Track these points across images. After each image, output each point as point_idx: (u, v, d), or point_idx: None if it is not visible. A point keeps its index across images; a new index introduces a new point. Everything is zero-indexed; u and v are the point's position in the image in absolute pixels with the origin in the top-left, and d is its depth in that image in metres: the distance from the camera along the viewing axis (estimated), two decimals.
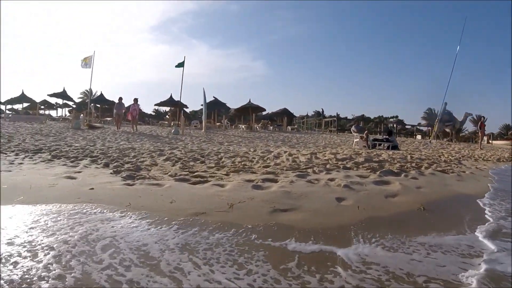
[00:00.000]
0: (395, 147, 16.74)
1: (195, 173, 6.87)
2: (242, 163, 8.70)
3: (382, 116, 69.38)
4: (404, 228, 4.06)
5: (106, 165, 7.75)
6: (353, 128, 21.96)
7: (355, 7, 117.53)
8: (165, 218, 3.98)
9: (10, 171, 6.68)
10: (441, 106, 27.14)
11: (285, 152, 11.80)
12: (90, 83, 29.48)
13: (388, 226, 4.06)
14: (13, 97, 44.37)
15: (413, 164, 9.46)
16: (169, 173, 6.85)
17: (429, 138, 29.39)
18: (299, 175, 6.95)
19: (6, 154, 9.06)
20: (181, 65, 27.84)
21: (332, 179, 6.66)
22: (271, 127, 36.34)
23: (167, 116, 50.23)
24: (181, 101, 32.47)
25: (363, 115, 63.92)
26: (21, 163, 7.72)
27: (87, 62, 28.88)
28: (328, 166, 8.44)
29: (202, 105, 30.43)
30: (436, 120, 27.20)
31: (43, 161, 8.11)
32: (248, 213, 4.36)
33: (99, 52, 60.63)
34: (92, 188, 5.34)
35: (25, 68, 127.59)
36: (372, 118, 62.19)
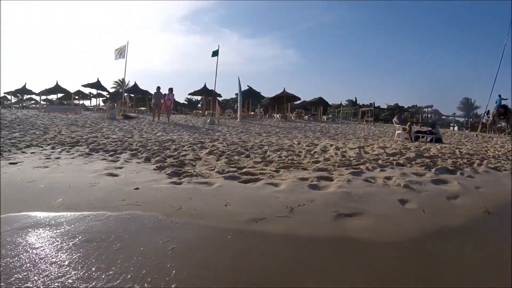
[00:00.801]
0: (438, 140, 15.85)
1: (243, 170, 6.33)
2: (289, 157, 8.15)
3: (416, 105, 67.48)
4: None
5: (148, 160, 7.30)
6: (395, 119, 21.13)
7: None
8: (222, 226, 3.46)
9: (46, 167, 6.25)
10: (489, 98, 25.67)
11: (331, 145, 11.16)
12: (124, 73, 29.37)
13: (463, 239, 3.56)
14: (47, 87, 44.85)
15: (465, 160, 8.68)
16: (216, 169, 6.32)
17: (474, 131, 28.03)
18: (353, 172, 6.38)
19: (41, 147, 8.72)
20: (215, 53, 27.52)
21: (389, 178, 6.08)
22: (306, 117, 35.45)
23: (199, 105, 49.99)
24: (215, 90, 32.04)
25: (397, 104, 62.28)
26: (58, 158, 7.33)
27: (120, 53, 28.82)
28: (380, 162, 7.83)
29: (236, 94, 30.02)
30: (492, 112, 25.69)
31: (81, 155, 7.71)
32: (311, 219, 3.84)
33: (132, 42, 60.61)
34: (137, 188, 4.83)
35: (59, 59, 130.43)
36: (406, 107, 60.28)
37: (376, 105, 44.19)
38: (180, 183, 5.23)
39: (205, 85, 40.19)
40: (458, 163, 8.16)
